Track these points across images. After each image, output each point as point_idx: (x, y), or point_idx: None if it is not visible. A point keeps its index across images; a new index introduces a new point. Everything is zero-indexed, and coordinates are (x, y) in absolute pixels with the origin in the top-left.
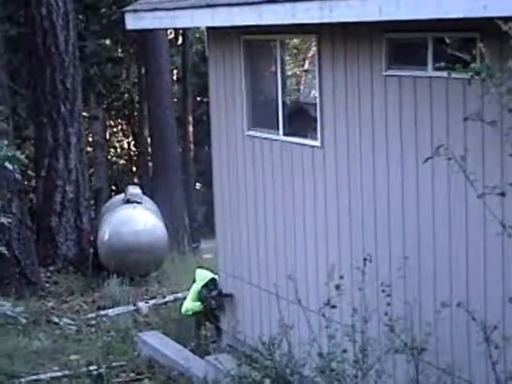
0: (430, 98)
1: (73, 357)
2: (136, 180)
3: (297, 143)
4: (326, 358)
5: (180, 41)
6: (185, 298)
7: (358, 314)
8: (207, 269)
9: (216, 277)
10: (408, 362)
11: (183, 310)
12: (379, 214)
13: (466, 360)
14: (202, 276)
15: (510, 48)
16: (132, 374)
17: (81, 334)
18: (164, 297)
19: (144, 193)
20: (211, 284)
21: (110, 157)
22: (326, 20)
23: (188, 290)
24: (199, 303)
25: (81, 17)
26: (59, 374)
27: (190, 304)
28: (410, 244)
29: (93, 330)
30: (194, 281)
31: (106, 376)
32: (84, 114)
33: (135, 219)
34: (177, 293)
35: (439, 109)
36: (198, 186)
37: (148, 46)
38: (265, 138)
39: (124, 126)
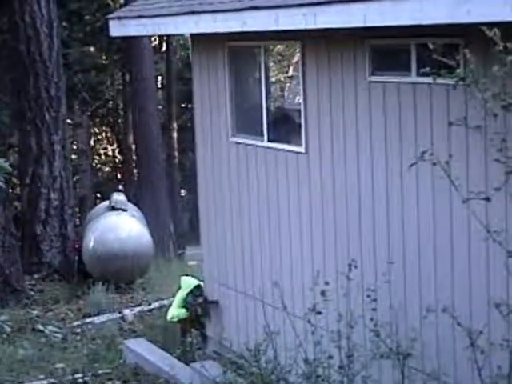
0: (413, 103)
1: (58, 365)
2: (121, 187)
3: (281, 149)
4: (312, 364)
5: (164, 48)
6: (170, 305)
7: (343, 319)
8: (192, 276)
9: (201, 283)
10: (394, 368)
11: (169, 316)
12: (364, 219)
13: (451, 365)
14: (188, 283)
15: (494, 53)
16: (118, 382)
17: (66, 342)
18: (149, 304)
19: (129, 200)
20: (196, 291)
21: (94, 164)
22: (310, 27)
23: (173, 296)
24: (185, 310)
25: (65, 24)
26: (45, 382)
27: (176, 311)
28: (394, 249)
29: (78, 337)
30: (179, 288)
31: None
32: (68, 121)
33: (120, 226)
34: (162, 300)
35: (423, 114)
36: (182, 192)
37: (132, 53)
38: (249, 145)
39: (108, 133)
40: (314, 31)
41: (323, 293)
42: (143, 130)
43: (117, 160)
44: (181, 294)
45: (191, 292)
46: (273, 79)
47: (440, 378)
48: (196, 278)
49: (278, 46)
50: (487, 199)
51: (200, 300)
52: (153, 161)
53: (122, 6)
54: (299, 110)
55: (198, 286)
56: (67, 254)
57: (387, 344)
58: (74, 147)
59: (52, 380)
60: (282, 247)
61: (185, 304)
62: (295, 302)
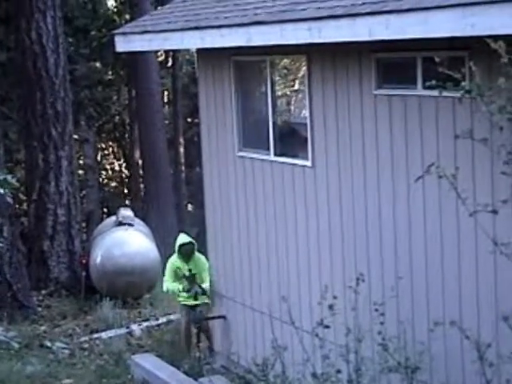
0: (420, 116)
1: (66, 381)
2: (128, 202)
3: (288, 163)
4: (320, 378)
5: (170, 63)
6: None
7: (351, 333)
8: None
9: (194, 241)
10: (402, 381)
11: (164, 288)
12: (371, 233)
13: (460, 378)
14: (182, 238)
15: (499, 66)
16: None
17: (74, 358)
18: (157, 319)
19: (136, 215)
20: (188, 247)
21: (101, 179)
22: (314, 40)
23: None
24: (179, 285)
25: (71, 40)
26: None
27: (171, 285)
28: (402, 263)
29: (86, 353)
30: (172, 252)
31: None
32: (75, 136)
33: (127, 241)
34: (170, 314)
35: (429, 127)
36: (189, 207)
37: (138, 68)
38: (256, 159)
39: (115, 149)
40: (319, 45)
41: (331, 307)
42: (150, 145)
43: (123, 175)
44: (172, 261)
45: (184, 245)
46: (279, 93)
47: None
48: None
49: (284, 60)
50: (494, 212)
51: (196, 288)
52: (159, 176)
53: (127, 21)
54: (305, 124)
55: (190, 243)
56: (74, 269)
57: (395, 358)
58: (81, 162)
59: None
60: (289, 261)
61: (177, 278)
62: (303, 316)
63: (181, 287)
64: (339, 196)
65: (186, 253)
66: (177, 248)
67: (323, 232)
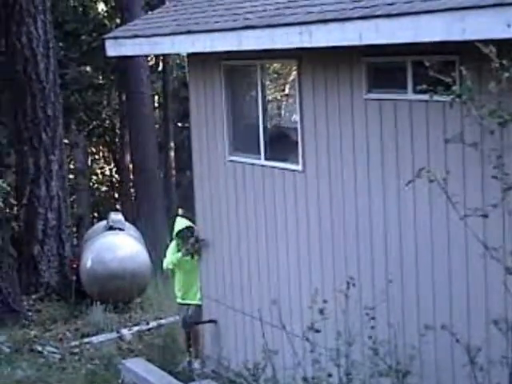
0: (410, 120)
1: None
2: (118, 206)
3: (278, 168)
4: (311, 382)
5: (160, 67)
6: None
7: (342, 337)
8: (187, 218)
9: (193, 225)
10: None
11: (164, 265)
12: (361, 237)
13: (450, 382)
14: (180, 223)
15: (490, 70)
16: None
17: (64, 363)
18: (148, 323)
19: (126, 219)
20: (187, 231)
21: (91, 184)
22: (305, 45)
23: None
24: (180, 254)
25: (61, 44)
26: None
27: (170, 257)
28: (392, 267)
29: (76, 357)
30: (171, 239)
31: None
32: (65, 141)
33: (118, 246)
34: (160, 319)
35: (420, 131)
36: (180, 211)
37: (128, 73)
38: (246, 163)
39: (105, 153)
40: (310, 49)
41: (321, 311)
42: (140, 149)
43: (114, 179)
44: (174, 242)
45: (183, 230)
46: (269, 97)
47: None
48: (191, 221)
49: (275, 65)
50: (485, 216)
51: (191, 240)
52: (150, 180)
53: (118, 25)
54: (296, 128)
55: (189, 227)
56: (65, 273)
57: (386, 362)
58: (71, 167)
59: None
60: (279, 265)
61: (178, 248)
62: (294, 320)
63: (179, 254)
64: (330, 200)
65: (186, 238)
66: (175, 235)
67: (313, 236)
